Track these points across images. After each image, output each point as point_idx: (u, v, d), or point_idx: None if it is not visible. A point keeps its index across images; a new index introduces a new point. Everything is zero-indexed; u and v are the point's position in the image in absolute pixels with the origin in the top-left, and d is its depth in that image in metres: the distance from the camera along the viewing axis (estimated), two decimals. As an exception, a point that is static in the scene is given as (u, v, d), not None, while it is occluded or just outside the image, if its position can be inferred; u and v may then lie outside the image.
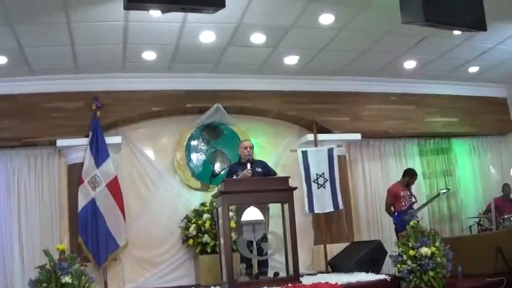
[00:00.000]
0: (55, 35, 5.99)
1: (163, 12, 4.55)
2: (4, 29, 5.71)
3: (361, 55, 7.25)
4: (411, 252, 5.27)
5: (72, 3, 5.29)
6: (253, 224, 5.46)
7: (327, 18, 6.04)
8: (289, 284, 5.16)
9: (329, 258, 7.41)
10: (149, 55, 6.79)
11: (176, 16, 5.51)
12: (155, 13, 5.38)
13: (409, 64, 7.77)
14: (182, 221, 7.31)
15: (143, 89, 7.42)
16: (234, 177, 6.03)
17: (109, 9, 5.42)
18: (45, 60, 6.64)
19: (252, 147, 6.37)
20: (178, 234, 7.36)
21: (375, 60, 7.52)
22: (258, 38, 6.48)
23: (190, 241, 7.08)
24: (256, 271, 5.78)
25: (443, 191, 7.94)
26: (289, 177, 5.89)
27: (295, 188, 5.81)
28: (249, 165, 6.08)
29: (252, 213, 5.52)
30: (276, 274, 5.68)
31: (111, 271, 6.88)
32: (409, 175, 7.49)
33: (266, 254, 5.70)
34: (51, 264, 4.80)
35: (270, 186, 5.76)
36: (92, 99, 7.11)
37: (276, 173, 6.38)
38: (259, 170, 6.17)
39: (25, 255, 6.93)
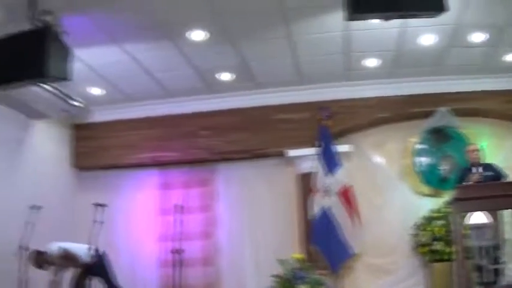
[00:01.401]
0: (278, 49, 6.93)
1: (385, 20, 4.89)
2: (227, 48, 6.83)
3: None
4: None
5: (292, 18, 6.08)
6: (481, 227, 5.75)
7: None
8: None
9: None
10: (371, 62, 7.40)
11: (396, 21, 5.98)
12: (375, 21, 5.86)
13: None
14: (412, 227, 7.74)
15: (367, 96, 8.09)
16: (465, 182, 6.33)
17: (328, 20, 6.13)
18: (270, 73, 7.70)
19: (479, 151, 6.68)
20: (409, 241, 7.78)
21: None
22: (478, 37, 6.68)
23: (422, 248, 7.51)
24: (490, 280, 5.90)
25: None
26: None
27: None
28: (479, 168, 6.43)
29: (479, 217, 5.80)
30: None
31: (345, 279, 7.55)
32: None
33: (501, 262, 5.86)
34: (288, 273, 5.57)
35: (504, 191, 5.88)
36: (317, 109, 7.95)
37: (507, 176, 6.52)
38: (490, 173, 6.40)
39: (258, 265, 8.00)
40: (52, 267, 6.84)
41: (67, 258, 6.81)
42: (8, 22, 5.65)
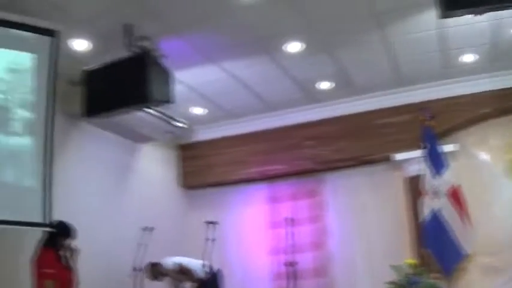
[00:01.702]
0: (374, 53, 7.02)
1: (477, 14, 5.00)
2: (324, 57, 7.02)
3: None
4: None
5: (385, 21, 6.17)
6: None
7: None
8: None
9: None
10: (468, 58, 7.34)
11: (490, 14, 6.09)
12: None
13: None
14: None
15: (466, 92, 8.01)
16: None
17: (421, 20, 6.15)
18: (368, 78, 7.80)
19: None
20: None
21: None
22: None
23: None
24: None
25: None
26: None
27: None
28: None
29: None
30: None
31: (459, 281, 7.44)
32: None
33: None
34: (402, 279, 5.62)
35: None
36: (419, 110, 7.93)
37: None
38: None
39: (371, 272, 8.07)
40: (167, 279, 7.23)
41: (182, 273, 7.24)
42: (106, 51, 6.15)
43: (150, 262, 7.20)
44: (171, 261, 7.33)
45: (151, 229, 7.35)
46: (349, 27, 6.37)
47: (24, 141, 5.32)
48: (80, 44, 6.30)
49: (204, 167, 9.43)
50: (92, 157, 7.55)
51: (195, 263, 7.31)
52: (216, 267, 7.46)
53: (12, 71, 5.39)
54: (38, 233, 5.55)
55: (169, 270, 7.32)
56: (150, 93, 5.71)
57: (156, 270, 7.28)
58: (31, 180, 5.32)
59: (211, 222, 7.12)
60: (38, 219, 5.27)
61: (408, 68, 7.59)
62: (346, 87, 8.11)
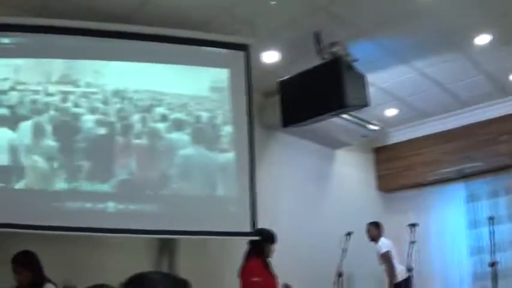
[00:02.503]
0: None
1: None
2: None
3: None
4: None
5: None
6: None
7: None
8: None
9: None
10: None
11: None
12: None
13: None
14: None
15: None
16: None
17: None
18: None
19: None
20: None
21: None
22: None
23: None
24: None
25: None
26: None
27: None
28: None
29: None
30: None
31: None
32: None
33: None
34: None
35: None
36: None
37: None
38: None
39: None
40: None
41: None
42: (295, 60, 6.38)
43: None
44: None
45: (350, 233, 7.33)
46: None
47: (230, 156, 5.65)
48: (270, 56, 6.61)
49: (399, 169, 9.33)
50: (291, 165, 7.84)
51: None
52: (416, 269, 7.29)
53: (214, 89, 5.84)
54: (239, 242, 5.81)
55: None
56: (347, 98, 5.73)
57: None
58: (238, 192, 5.65)
59: (412, 225, 7.01)
60: (245, 228, 5.48)
61: None
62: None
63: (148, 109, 5.42)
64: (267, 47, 6.34)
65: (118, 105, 5.35)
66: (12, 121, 4.96)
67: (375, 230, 7.83)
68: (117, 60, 5.53)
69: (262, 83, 6.65)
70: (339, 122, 7.41)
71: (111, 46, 5.50)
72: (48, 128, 5.05)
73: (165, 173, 5.38)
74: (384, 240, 7.74)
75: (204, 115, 5.62)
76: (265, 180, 6.84)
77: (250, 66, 5.90)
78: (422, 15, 5.80)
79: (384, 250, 7.65)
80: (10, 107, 4.97)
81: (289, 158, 7.79)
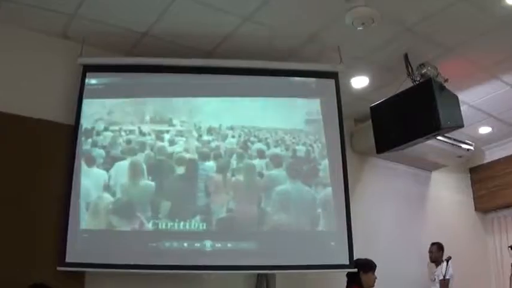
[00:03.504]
0: None
1: None
2: None
3: None
4: None
5: None
6: None
7: None
8: None
9: None
10: None
11: None
12: None
13: None
14: None
15: None
16: None
17: None
18: None
19: None
20: None
21: None
22: None
23: None
24: None
25: None
26: None
27: None
28: None
29: None
30: None
31: None
32: None
33: None
34: None
35: None
36: None
37: None
38: None
39: None
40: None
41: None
42: (383, 85, 6.37)
43: None
44: None
45: (449, 260, 7.06)
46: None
47: (328, 190, 5.48)
48: (360, 81, 6.58)
49: (496, 188, 8.92)
50: (386, 190, 7.72)
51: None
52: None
53: (309, 121, 5.72)
54: (336, 275, 5.67)
55: None
56: (442, 120, 5.54)
57: None
58: (336, 225, 5.45)
59: (514, 246, 6.78)
60: (343, 261, 5.26)
61: None
62: None
63: (244, 145, 5.42)
64: (355, 73, 6.31)
65: (214, 143, 5.40)
66: (108, 162, 5.11)
67: (438, 252, 7.43)
68: (209, 96, 5.56)
69: (351, 108, 6.59)
70: (433, 144, 7.21)
71: (202, 82, 5.54)
72: (145, 168, 5.17)
73: (264, 210, 5.29)
74: (451, 264, 7.18)
75: (301, 149, 5.53)
76: (361, 208, 6.71)
77: (339, 95, 5.81)
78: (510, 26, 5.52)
79: (450, 274, 7.06)
80: (104, 147, 5.17)
81: (383, 183, 7.68)
